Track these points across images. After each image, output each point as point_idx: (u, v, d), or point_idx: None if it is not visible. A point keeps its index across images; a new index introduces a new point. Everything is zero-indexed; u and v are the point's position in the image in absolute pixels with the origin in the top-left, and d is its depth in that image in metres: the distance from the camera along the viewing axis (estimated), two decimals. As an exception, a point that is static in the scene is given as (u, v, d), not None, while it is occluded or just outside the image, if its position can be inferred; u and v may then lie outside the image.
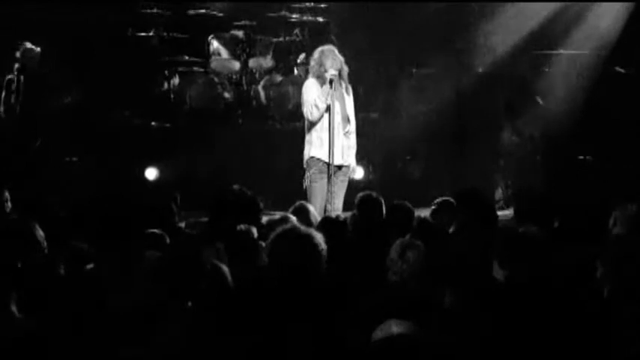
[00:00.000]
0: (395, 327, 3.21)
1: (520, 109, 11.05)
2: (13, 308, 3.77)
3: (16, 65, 9.81)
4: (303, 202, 6.99)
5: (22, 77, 9.79)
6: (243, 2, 11.65)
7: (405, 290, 4.51)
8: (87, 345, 3.76)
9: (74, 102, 10.12)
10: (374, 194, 6.54)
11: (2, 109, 9.84)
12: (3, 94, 9.80)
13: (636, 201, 5.94)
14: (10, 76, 9.78)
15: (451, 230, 6.25)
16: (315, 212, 6.88)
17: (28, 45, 9.81)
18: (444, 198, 6.77)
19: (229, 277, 4.54)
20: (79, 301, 4.07)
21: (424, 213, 6.80)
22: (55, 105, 9.96)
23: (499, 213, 7.44)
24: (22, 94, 9.76)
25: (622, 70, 10.90)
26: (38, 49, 9.88)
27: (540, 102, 10.94)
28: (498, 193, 10.79)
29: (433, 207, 6.80)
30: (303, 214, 6.34)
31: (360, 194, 6.61)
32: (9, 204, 6.82)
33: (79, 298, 4.12)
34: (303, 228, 4.23)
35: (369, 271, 4.88)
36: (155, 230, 5.42)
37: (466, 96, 11.27)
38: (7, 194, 6.84)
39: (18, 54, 9.81)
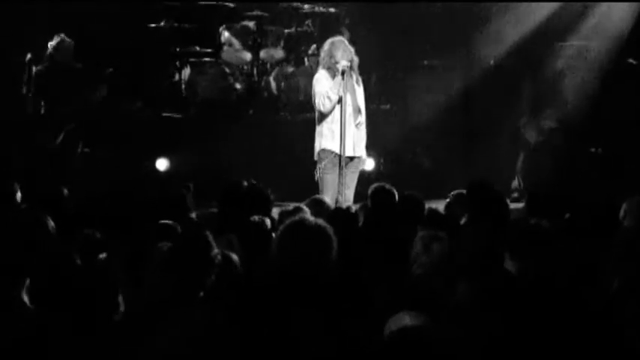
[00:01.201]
0: (408, 319, 3.21)
1: (543, 104, 11.04)
2: (25, 298, 3.78)
3: (28, 56, 9.79)
4: (319, 195, 7.01)
5: (33, 68, 9.78)
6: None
7: (429, 283, 4.48)
8: (97, 337, 3.77)
9: (102, 97, 10.03)
10: (387, 186, 6.54)
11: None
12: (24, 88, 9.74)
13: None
14: (39, 67, 9.71)
15: (462, 222, 6.25)
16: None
17: (61, 37, 9.70)
18: (459, 191, 6.76)
19: (239, 268, 4.55)
20: (91, 293, 4.08)
21: (434, 205, 6.79)
22: (86, 99, 9.86)
23: (513, 205, 7.46)
24: (36, 86, 9.70)
25: (634, 62, 10.86)
26: (71, 41, 9.77)
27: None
28: (514, 184, 10.77)
29: (448, 199, 6.80)
30: (320, 207, 6.33)
31: (374, 185, 6.61)
32: (19, 194, 6.84)
33: (90, 288, 4.13)
34: (311, 219, 4.22)
35: (381, 263, 4.88)
36: (167, 221, 5.44)
37: (477, 88, 11.25)
38: (16, 186, 6.86)
39: (50, 46, 9.72)
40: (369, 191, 6.54)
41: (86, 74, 9.92)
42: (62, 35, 9.70)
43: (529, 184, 10.38)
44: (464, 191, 6.69)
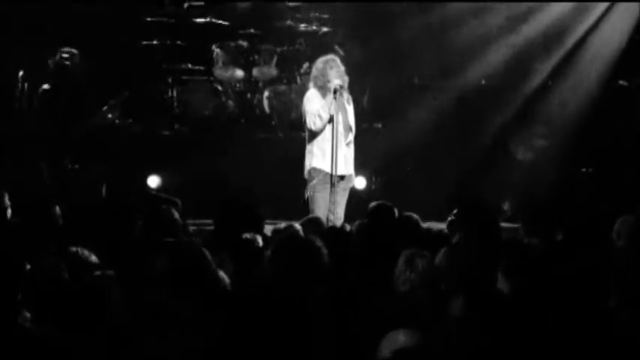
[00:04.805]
0: (402, 337, 3.20)
1: (532, 121, 11.10)
2: (26, 314, 3.77)
3: (21, 73, 9.71)
4: (315, 215, 7.01)
5: (25, 85, 9.71)
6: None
7: (414, 299, 4.50)
8: (89, 353, 3.75)
9: (115, 118, 9.78)
10: (388, 204, 6.55)
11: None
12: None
13: (636, 212, 5.97)
14: (45, 86, 9.40)
15: (454, 241, 6.25)
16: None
17: (72, 52, 9.34)
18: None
19: (228, 285, 4.55)
20: (84, 309, 4.06)
21: (427, 224, 6.80)
22: (98, 121, 9.58)
23: (507, 225, 7.49)
24: (42, 104, 9.51)
25: (625, 83, 10.92)
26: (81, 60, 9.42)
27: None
28: (506, 205, 10.78)
29: (450, 218, 6.79)
30: (316, 226, 6.32)
31: (374, 203, 6.62)
32: (9, 210, 6.80)
33: (84, 304, 4.11)
34: (301, 234, 4.24)
35: (377, 281, 4.87)
36: (160, 238, 5.44)
37: (470, 107, 11.29)
38: (7, 201, 6.82)
39: (56, 62, 9.33)
40: (369, 208, 6.54)
41: (97, 95, 9.72)
42: (73, 50, 9.34)
43: (522, 203, 10.38)
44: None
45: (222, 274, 4.61)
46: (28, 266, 4.27)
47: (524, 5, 11.20)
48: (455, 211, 6.75)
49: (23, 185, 9.27)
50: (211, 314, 4.03)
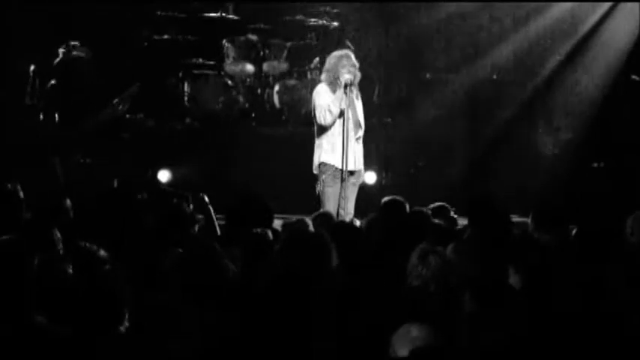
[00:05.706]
0: (415, 331, 3.20)
1: (557, 115, 11.09)
2: (39, 318, 3.77)
3: (32, 67, 9.72)
4: (326, 209, 7.01)
5: (37, 80, 9.71)
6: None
7: (426, 294, 4.50)
8: (101, 349, 3.76)
9: (124, 111, 9.75)
10: (400, 199, 6.57)
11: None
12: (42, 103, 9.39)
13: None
14: (52, 82, 9.35)
15: (465, 236, 6.24)
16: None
17: (74, 44, 9.30)
18: (439, 203, 6.82)
19: (238, 279, 4.56)
20: (92, 303, 4.06)
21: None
22: (108, 115, 9.52)
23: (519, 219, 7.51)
24: (39, 96, 9.53)
25: (637, 78, 10.88)
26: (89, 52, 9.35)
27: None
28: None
29: (432, 205, 6.84)
30: (327, 221, 6.32)
31: (386, 198, 6.64)
32: (24, 205, 6.82)
33: (92, 299, 4.11)
34: (311, 229, 4.25)
35: (387, 276, 4.87)
36: (170, 232, 5.45)
37: (480, 102, 11.28)
38: (21, 195, 6.83)
39: (62, 55, 9.29)
40: (382, 202, 6.55)
41: (108, 89, 9.70)
42: (78, 44, 9.31)
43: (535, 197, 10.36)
44: (444, 204, 6.75)
45: (232, 267, 4.62)
46: (36, 260, 4.27)
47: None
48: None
49: (35, 180, 9.29)
50: (220, 308, 4.04)
